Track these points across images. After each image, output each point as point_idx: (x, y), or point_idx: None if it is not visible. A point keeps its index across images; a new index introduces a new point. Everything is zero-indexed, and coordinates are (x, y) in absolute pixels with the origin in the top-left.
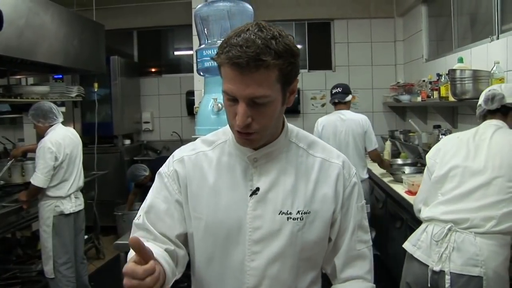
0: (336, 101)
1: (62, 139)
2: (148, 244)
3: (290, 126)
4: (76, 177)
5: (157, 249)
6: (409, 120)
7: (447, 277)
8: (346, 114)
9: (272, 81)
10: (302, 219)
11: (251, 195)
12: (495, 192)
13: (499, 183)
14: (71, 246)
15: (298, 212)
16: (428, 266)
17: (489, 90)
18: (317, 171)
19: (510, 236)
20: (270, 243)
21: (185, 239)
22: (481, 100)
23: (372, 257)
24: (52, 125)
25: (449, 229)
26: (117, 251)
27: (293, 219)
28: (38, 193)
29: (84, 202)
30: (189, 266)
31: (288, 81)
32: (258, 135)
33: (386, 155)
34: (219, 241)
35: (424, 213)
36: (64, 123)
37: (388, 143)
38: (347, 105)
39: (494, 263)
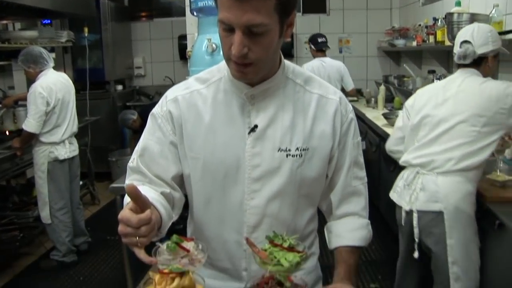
0: (324, 49)
1: (53, 84)
2: (144, 188)
3: (286, 62)
4: (70, 122)
5: (152, 193)
6: (404, 65)
7: (415, 215)
8: (326, 61)
9: (270, 9)
10: (301, 156)
11: (249, 133)
12: (458, 136)
13: (463, 128)
14: (66, 192)
15: (297, 149)
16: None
17: (461, 45)
18: (314, 108)
19: (472, 173)
20: (270, 181)
21: (180, 181)
22: (455, 50)
23: (367, 194)
24: (43, 70)
25: (417, 172)
26: (113, 195)
27: (292, 156)
28: (31, 139)
29: (78, 149)
30: (185, 207)
31: (286, 11)
32: (255, 67)
33: (380, 100)
34: (218, 181)
35: (402, 159)
36: (54, 69)
37: (382, 87)
38: (325, 53)
39: (454, 198)
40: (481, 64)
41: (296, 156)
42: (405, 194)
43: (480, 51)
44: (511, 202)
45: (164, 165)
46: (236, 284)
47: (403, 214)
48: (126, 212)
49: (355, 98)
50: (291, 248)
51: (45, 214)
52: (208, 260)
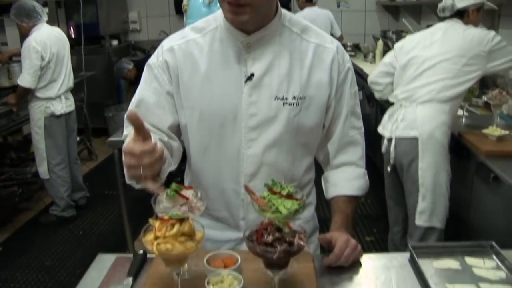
0: (313, 0)
1: (47, 38)
2: None
3: (283, 10)
4: (65, 77)
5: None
6: (403, 20)
7: (393, 142)
8: (316, 10)
9: None
10: (298, 105)
11: (245, 81)
12: (440, 72)
13: (445, 65)
14: (64, 147)
15: (294, 97)
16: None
17: None
18: (311, 57)
19: (448, 105)
20: (267, 129)
21: (177, 130)
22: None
23: (364, 144)
24: (36, 25)
25: (400, 105)
26: (110, 150)
27: (289, 104)
28: (26, 95)
29: (74, 105)
30: (182, 160)
31: None
32: (250, 9)
33: (378, 54)
34: (215, 130)
35: (391, 96)
36: (48, 24)
37: (380, 42)
38: (312, 3)
39: (429, 126)
40: (464, 16)
41: (293, 104)
42: (388, 124)
43: (460, 4)
44: (506, 156)
45: (161, 115)
46: (234, 233)
47: (385, 142)
48: (129, 143)
49: (353, 53)
50: (289, 196)
51: (43, 169)
52: (206, 210)
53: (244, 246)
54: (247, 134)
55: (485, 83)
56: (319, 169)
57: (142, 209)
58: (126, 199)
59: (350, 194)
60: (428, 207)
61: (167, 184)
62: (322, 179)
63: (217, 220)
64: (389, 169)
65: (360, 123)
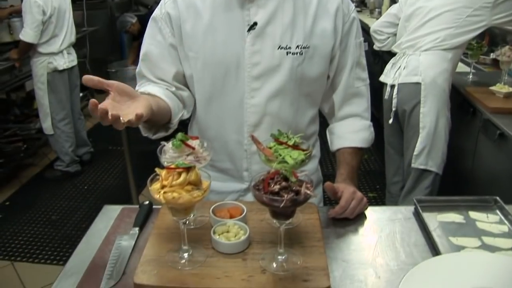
0: None
1: None
2: (148, 86)
3: None
4: (67, 32)
5: (156, 88)
6: None
7: (395, 88)
8: None
9: None
10: (302, 54)
11: (248, 30)
12: (444, 21)
13: (449, 15)
14: (67, 103)
15: (298, 46)
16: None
17: None
18: (315, 5)
19: (451, 53)
20: (270, 79)
21: (183, 80)
22: None
23: (369, 96)
24: None
25: (403, 53)
26: None
27: (292, 53)
28: (29, 50)
29: (76, 60)
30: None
31: None
32: None
33: (384, 10)
34: (218, 80)
35: (394, 46)
36: None
37: None
38: None
39: (432, 72)
40: None
41: (297, 54)
42: (391, 72)
43: None
44: None
45: (165, 68)
46: (238, 184)
47: (388, 89)
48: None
49: (358, 9)
50: (295, 146)
51: (47, 125)
52: (210, 161)
53: (248, 197)
54: (250, 83)
55: (494, 40)
56: (324, 122)
57: (146, 164)
58: (131, 154)
59: (355, 146)
60: (425, 149)
61: (171, 136)
62: (327, 131)
63: (220, 171)
64: (391, 116)
65: (365, 75)
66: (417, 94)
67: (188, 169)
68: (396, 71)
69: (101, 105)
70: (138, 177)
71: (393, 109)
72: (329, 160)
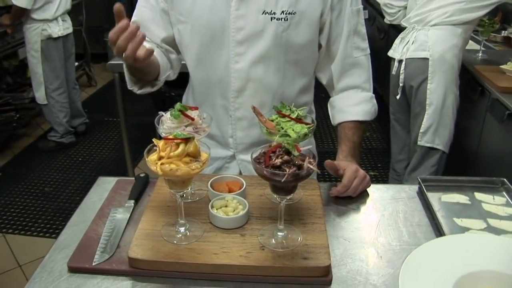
0: None
1: None
2: None
3: None
4: None
5: (149, 44)
6: None
7: (403, 63)
8: None
9: None
10: (287, 20)
11: None
12: None
13: None
14: (62, 71)
15: (283, 12)
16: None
17: None
18: None
19: (461, 29)
20: (254, 44)
21: (172, 43)
22: None
23: (370, 67)
24: None
25: (412, 28)
26: (110, 76)
27: (277, 19)
28: (22, 15)
29: (72, 27)
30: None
31: None
32: None
33: None
34: (205, 44)
35: (403, 20)
36: None
37: None
38: None
39: (441, 47)
40: None
41: (281, 19)
42: (399, 47)
43: None
44: None
45: (154, 31)
46: (224, 151)
47: (396, 64)
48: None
49: None
50: (298, 120)
51: (40, 94)
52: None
53: (233, 165)
54: (234, 48)
55: (508, 17)
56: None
57: (143, 135)
58: (127, 126)
59: (356, 119)
60: (432, 126)
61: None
62: (328, 105)
63: (207, 136)
64: (398, 91)
65: (365, 44)
66: (425, 70)
67: (186, 140)
68: (404, 46)
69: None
70: (134, 149)
71: (401, 84)
72: (330, 135)
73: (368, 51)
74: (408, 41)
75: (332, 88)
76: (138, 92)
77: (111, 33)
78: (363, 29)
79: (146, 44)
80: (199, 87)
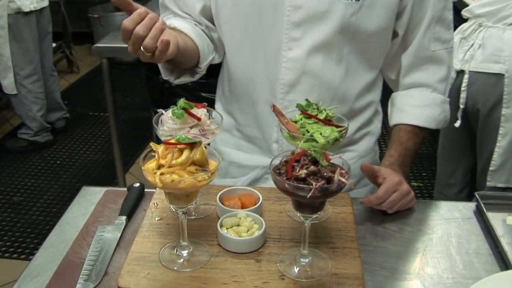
0: None
1: None
2: (174, 20)
3: None
4: None
5: (183, 23)
6: None
7: (466, 76)
8: None
9: None
10: (358, 0)
11: None
12: None
13: None
14: (35, 54)
15: None
16: None
17: None
18: None
19: None
20: (314, 28)
21: (211, 17)
22: None
23: (451, 63)
24: None
25: (479, 25)
26: (97, 60)
27: None
28: None
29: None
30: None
31: None
32: None
33: None
34: (250, 25)
35: (464, 10)
36: None
37: None
38: None
39: None
40: None
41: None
42: (459, 51)
43: None
44: None
45: (189, 1)
46: (265, 158)
47: (453, 75)
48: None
49: None
50: (328, 121)
51: (8, 82)
52: (236, 125)
53: None
54: (289, 31)
55: None
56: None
57: (136, 135)
58: (117, 122)
59: (416, 124)
60: (507, 163)
61: (171, 103)
62: (389, 102)
63: (246, 139)
64: (458, 116)
65: (448, 35)
66: (498, 90)
67: (192, 145)
68: (467, 51)
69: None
70: (125, 151)
71: (461, 106)
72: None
73: (452, 43)
74: (473, 44)
75: (397, 83)
76: (176, 82)
77: (127, 21)
78: (449, 16)
79: (178, 23)
80: (239, 78)
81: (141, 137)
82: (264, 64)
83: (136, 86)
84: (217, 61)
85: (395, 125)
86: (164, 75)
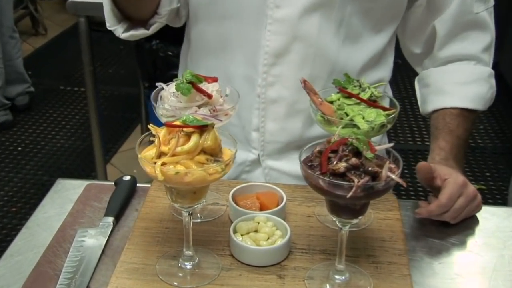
0: None
1: None
2: None
3: None
4: None
5: None
6: None
7: None
8: None
9: None
10: None
11: None
12: None
13: None
14: None
15: None
16: None
17: None
18: None
19: None
20: None
21: None
22: None
23: (493, 26)
24: None
25: None
26: (71, 19)
27: None
28: None
29: None
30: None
31: None
32: None
33: None
34: None
35: None
36: None
37: None
38: None
39: None
40: None
41: None
42: None
43: None
44: None
45: None
46: (241, 152)
47: None
48: None
49: None
50: (373, 102)
51: None
52: None
53: (256, 175)
54: None
55: None
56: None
57: (121, 116)
58: (98, 99)
59: (464, 106)
60: None
61: (171, 74)
62: (416, 82)
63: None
64: None
65: None
66: None
67: (202, 128)
68: None
69: None
70: (106, 137)
71: None
72: (409, 128)
73: (492, 1)
74: None
75: (428, 56)
76: (123, 36)
77: None
78: None
79: None
80: (208, 46)
81: (126, 119)
82: (243, 28)
83: (122, 54)
84: (180, 21)
85: (435, 111)
86: (109, 24)
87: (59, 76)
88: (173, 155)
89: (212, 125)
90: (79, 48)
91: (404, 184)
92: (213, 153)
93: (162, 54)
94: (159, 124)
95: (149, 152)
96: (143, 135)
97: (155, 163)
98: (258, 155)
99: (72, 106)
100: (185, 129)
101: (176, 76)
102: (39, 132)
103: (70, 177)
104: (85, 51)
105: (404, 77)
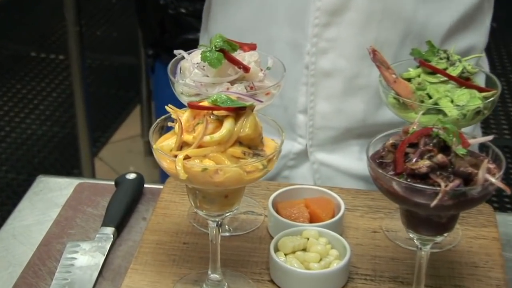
0: None
1: None
2: None
3: None
4: None
5: None
6: None
7: None
8: None
9: None
10: None
11: None
12: None
13: None
14: None
15: None
16: None
17: None
18: None
19: None
20: None
21: None
22: None
23: None
24: None
25: None
26: None
27: None
28: None
29: None
30: None
31: None
32: None
33: None
34: None
35: None
36: None
37: None
38: None
39: None
40: None
41: None
42: None
43: None
44: None
45: None
46: (286, 141)
47: None
48: None
49: None
50: (466, 80)
51: None
52: None
53: (303, 171)
54: None
55: None
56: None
57: (115, 94)
58: (83, 70)
59: None
60: None
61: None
62: None
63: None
64: None
65: None
66: None
67: (238, 111)
68: None
69: None
70: (95, 122)
71: None
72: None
73: None
74: None
75: None
76: None
77: None
78: None
79: None
80: (244, 7)
81: (121, 98)
82: None
83: (115, 10)
84: None
85: None
86: None
87: (31, 39)
88: (200, 146)
89: (252, 108)
90: (59, 2)
91: (508, 190)
92: (252, 145)
93: (172, 11)
94: (175, 104)
95: (167, 141)
96: (160, 119)
97: (175, 156)
98: (306, 145)
99: (48, 79)
100: (215, 112)
101: (191, 41)
102: (3, 114)
103: (46, 174)
104: (68, 5)
105: (499, 46)
